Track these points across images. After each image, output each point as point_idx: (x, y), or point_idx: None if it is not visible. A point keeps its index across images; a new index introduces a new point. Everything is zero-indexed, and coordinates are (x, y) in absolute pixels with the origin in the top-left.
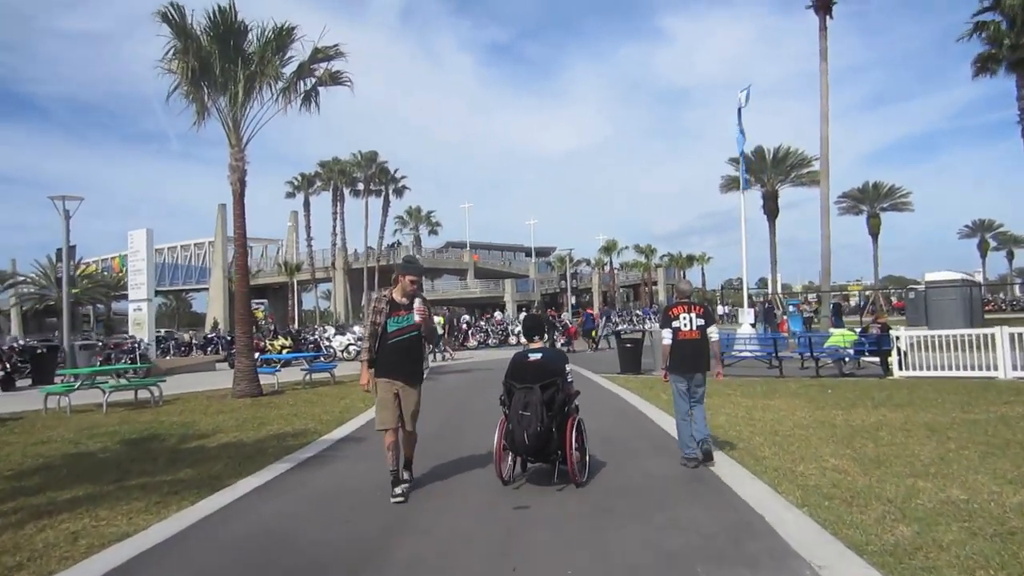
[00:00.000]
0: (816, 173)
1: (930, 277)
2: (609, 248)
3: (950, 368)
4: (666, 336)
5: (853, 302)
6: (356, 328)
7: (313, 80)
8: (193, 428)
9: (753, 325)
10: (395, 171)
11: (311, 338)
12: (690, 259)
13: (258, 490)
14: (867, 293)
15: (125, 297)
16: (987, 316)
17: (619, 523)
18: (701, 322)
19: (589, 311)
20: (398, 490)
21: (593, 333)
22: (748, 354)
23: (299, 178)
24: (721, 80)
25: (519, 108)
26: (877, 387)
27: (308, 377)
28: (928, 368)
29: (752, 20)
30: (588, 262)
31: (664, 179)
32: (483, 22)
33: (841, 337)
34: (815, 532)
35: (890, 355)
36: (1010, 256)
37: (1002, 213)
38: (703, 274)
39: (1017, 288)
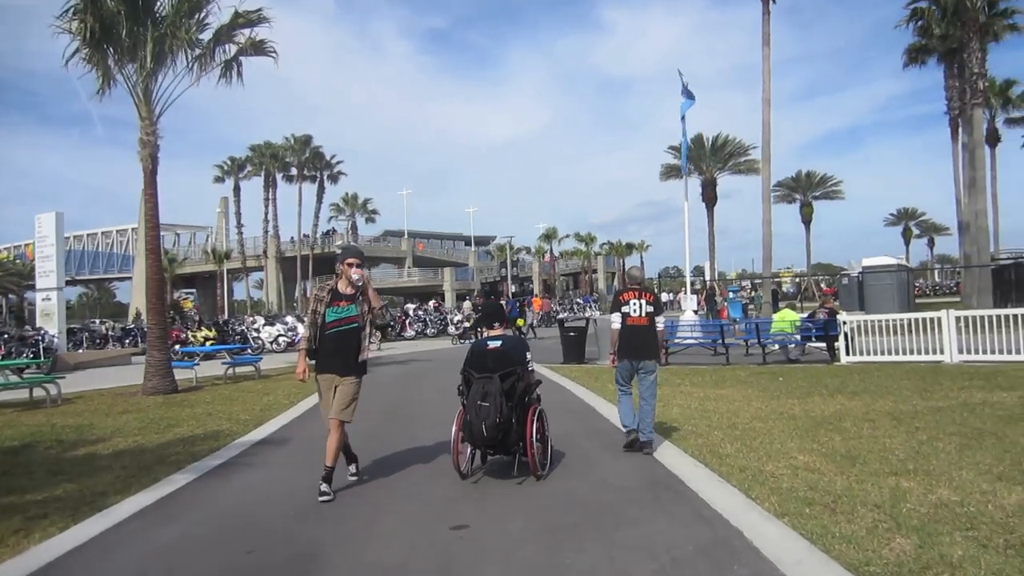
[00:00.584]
0: (754, 161)
1: (867, 263)
2: (549, 236)
3: (896, 352)
4: (615, 320)
5: (786, 288)
6: (288, 318)
7: (234, 48)
8: (88, 432)
9: (696, 312)
10: (331, 156)
11: (239, 328)
12: (629, 247)
13: (147, 511)
14: (797, 280)
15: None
16: (916, 301)
17: (578, 544)
18: (651, 309)
19: (525, 299)
20: (324, 487)
21: (520, 322)
22: (693, 341)
23: (228, 162)
24: (659, 72)
25: (459, 96)
26: (827, 374)
27: (232, 371)
28: (874, 353)
29: (689, 14)
30: (528, 250)
31: (603, 169)
32: (422, 8)
33: (786, 321)
34: (805, 550)
35: (837, 340)
36: (931, 244)
37: (925, 202)
38: (642, 261)
39: (936, 274)
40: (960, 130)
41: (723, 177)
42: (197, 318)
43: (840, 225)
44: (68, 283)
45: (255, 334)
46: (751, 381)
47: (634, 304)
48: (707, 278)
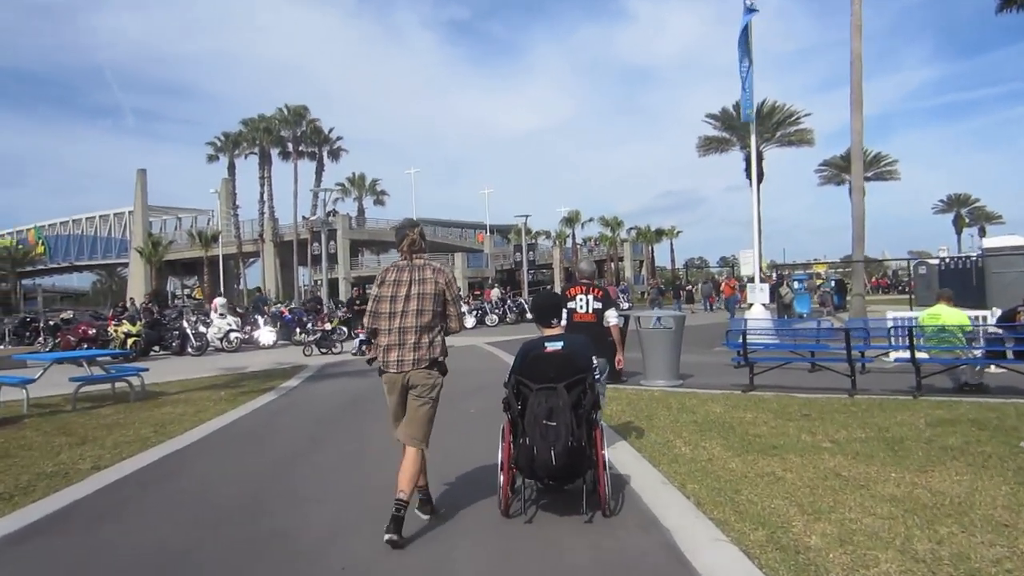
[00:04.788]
0: (806, 131)
1: (988, 243)
2: (572, 220)
3: None
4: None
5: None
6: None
7: None
8: None
9: (766, 306)
10: (329, 130)
11: (179, 324)
12: (659, 233)
13: None
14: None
15: (39, 273)
16: None
17: None
18: (598, 305)
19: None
20: None
21: None
22: (778, 352)
23: (222, 138)
24: (682, 61)
25: (482, 87)
26: None
27: (113, 388)
28: None
29: (711, 2)
30: (548, 235)
31: (624, 159)
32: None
33: (943, 324)
34: None
35: None
36: (982, 232)
37: (977, 188)
38: (672, 249)
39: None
40: None
41: (770, 150)
42: (149, 307)
43: (881, 215)
44: (73, 269)
45: (202, 328)
46: (964, 448)
47: (581, 300)
48: (745, 266)
